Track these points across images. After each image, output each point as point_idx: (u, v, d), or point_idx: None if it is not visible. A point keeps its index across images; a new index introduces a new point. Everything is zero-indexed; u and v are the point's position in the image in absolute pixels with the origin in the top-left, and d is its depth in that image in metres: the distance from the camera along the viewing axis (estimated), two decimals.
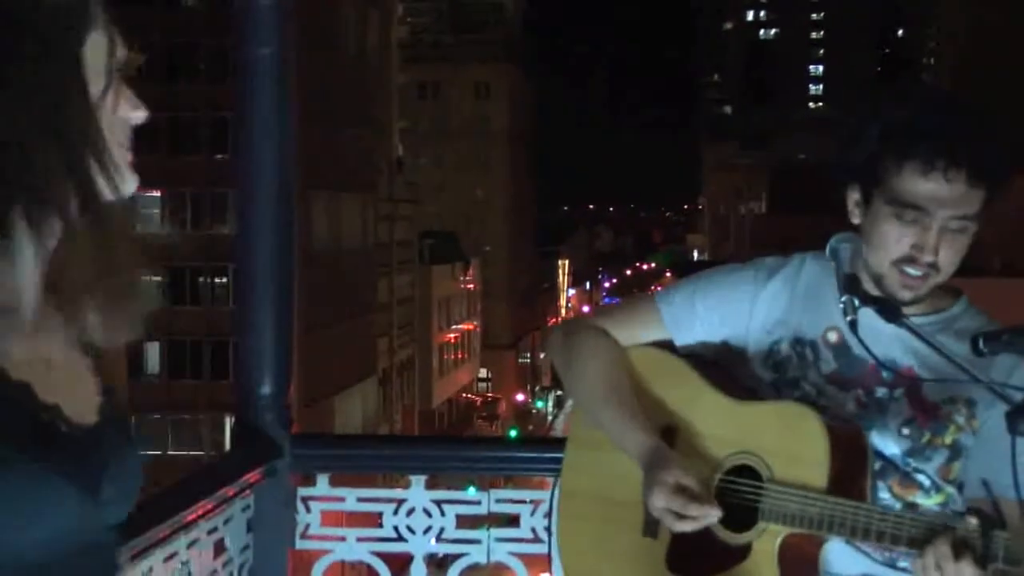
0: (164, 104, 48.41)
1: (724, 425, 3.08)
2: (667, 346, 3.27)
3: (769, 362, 3.16)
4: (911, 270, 2.96)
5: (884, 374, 3.06)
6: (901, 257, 2.96)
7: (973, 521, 2.70)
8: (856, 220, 3.07)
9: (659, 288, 3.79)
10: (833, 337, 3.11)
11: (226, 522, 3.73)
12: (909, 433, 3.03)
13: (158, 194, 51.94)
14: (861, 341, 2.92)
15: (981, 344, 2.55)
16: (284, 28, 4.03)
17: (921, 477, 3.04)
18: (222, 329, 46.33)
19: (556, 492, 3.42)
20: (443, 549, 4.03)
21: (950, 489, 3.04)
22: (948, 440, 3.03)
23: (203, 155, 49.54)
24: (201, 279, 51.51)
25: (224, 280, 49.82)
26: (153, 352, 51.54)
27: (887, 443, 3.02)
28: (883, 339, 3.02)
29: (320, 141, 46.22)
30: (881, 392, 3.06)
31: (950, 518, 2.81)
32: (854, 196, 3.07)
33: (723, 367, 3.20)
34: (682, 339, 3.26)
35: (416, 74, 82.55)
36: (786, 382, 3.12)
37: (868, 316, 3.02)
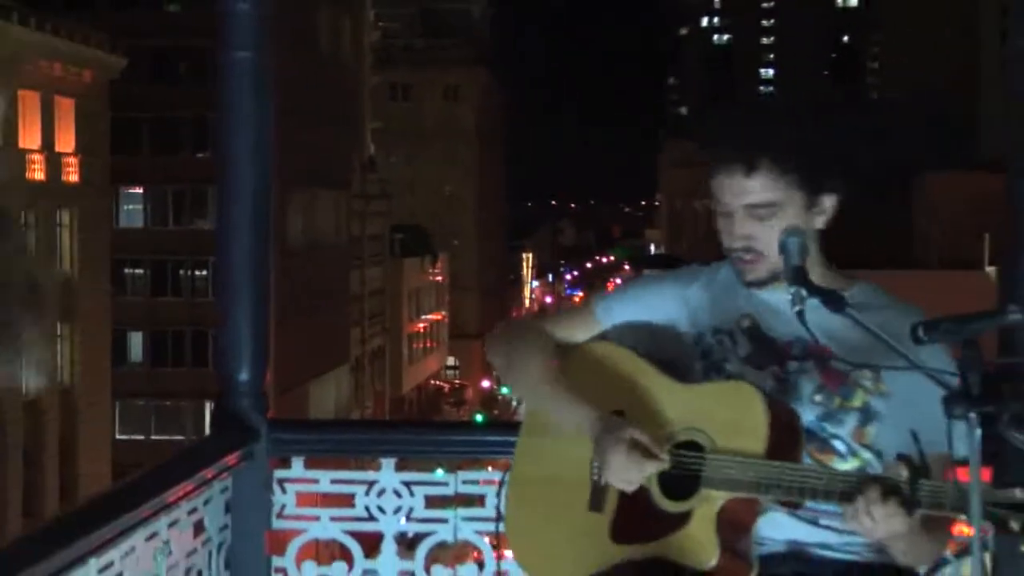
0: (147, 105, 48.34)
1: (669, 405, 3.13)
2: (615, 338, 3.31)
3: (697, 351, 3.26)
4: (739, 255, 3.16)
5: (794, 349, 3.15)
6: (728, 247, 3.19)
7: (903, 470, 2.76)
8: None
9: (616, 283, 3.90)
10: (746, 323, 3.22)
11: (205, 503, 3.73)
12: (821, 399, 3.13)
13: (141, 191, 51.80)
14: (807, 327, 2.94)
15: (920, 332, 2.56)
16: (262, 32, 4.02)
17: (837, 443, 3.12)
18: (203, 319, 46.24)
19: (506, 479, 3.45)
20: (412, 528, 4.03)
21: (866, 454, 3.12)
22: (858, 403, 3.12)
23: (185, 154, 49.34)
24: (182, 272, 51.37)
25: (204, 273, 49.71)
26: (136, 341, 51.39)
27: (803, 411, 3.09)
28: (793, 319, 3.08)
29: (296, 140, 46.12)
30: (793, 365, 3.16)
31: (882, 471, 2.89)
32: None
33: (666, 355, 3.26)
34: (610, 321, 3.37)
35: (388, 77, 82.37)
36: (713, 367, 3.22)
37: (777, 301, 3.17)
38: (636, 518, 3.09)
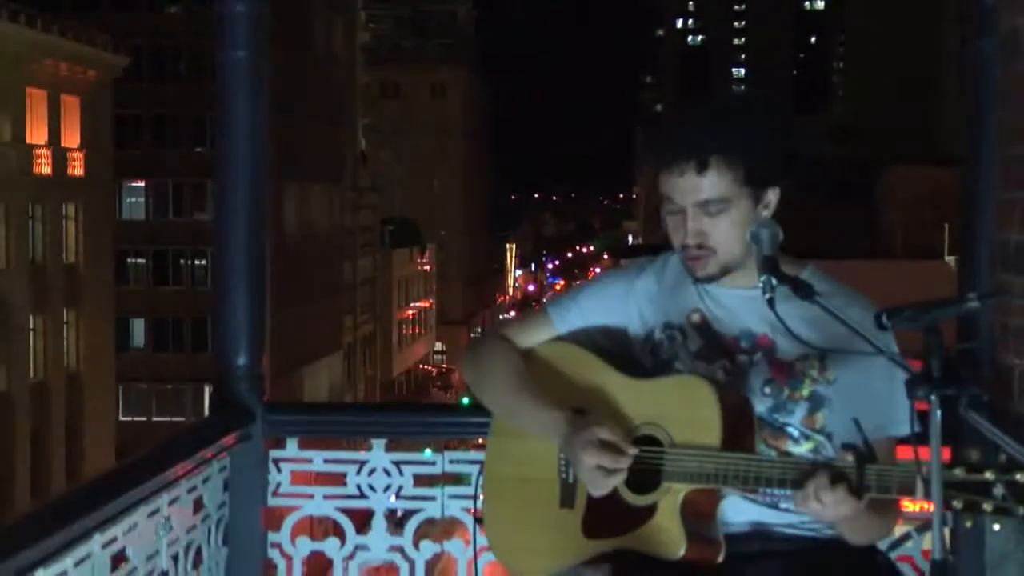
0: (149, 102, 48.29)
1: (628, 401, 3.13)
2: (574, 340, 3.32)
3: (647, 347, 3.25)
4: (692, 252, 3.12)
5: (743, 343, 3.15)
6: (679, 245, 3.15)
7: (849, 457, 2.78)
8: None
9: (595, 271, 3.90)
10: (696, 318, 3.21)
11: (204, 481, 3.72)
12: (771, 392, 3.13)
13: (142, 184, 51.76)
14: (779, 317, 2.93)
15: (884, 319, 2.57)
16: (258, 33, 4.01)
17: (790, 429, 3.12)
18: (202, 307, 46.20)
19: (480, 479, 3.45)
20: (401, 506, 4.03)
21: (819, 437, 3.12)
22: (806, 393, 3.12)
23: (184, 148, 49.27)
24: (182, 261, 51.37)
25: (203, 262, 49.67)
26: (139, 327, 51.39)
27: (754, 403, 3.09)
28: (740, 313, 3.14)
29: (291, 136, 46.14)
30: (742, 359, 3.15)
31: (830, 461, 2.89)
32: None
33: (621, 353, 3.26)
34: (566, 328, 3.35)
35: (378, 76, 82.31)
36: (662, 364, 3.20)
37: (724, 296, 3.19)
38: (605, 513, 3.09)
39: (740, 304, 3.11)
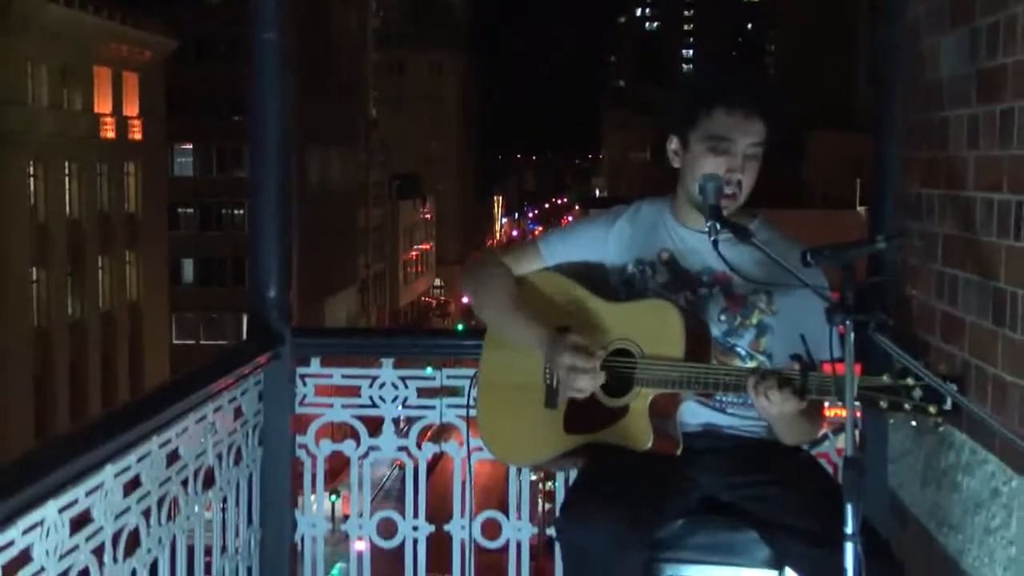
0: (194, 80, 47.92)
1: (605, 320, 3.13)
2: (560, 270, 3.31)
3: (622, 279, 3.24)
4: (726, 189, 3.04)
5: (704, 278, 3.16)
6: (713, 179, 3.04)
7: (796, 366, 2.80)
8: (676, 164, 3.20)
9: (568, 219, 3.88)
10: (665, 255, 3.21)
11: (243, 393, 3.72)
12: (725, 319, 3.14)
13: (190, 147, 51.56)
14: (722, 256, 2.93)
15: (808, 257, 2.57)
16: (286, 17, 3.98)
17: (739, 349, 3.14)
18: (240, 249, 46.06)
19: (473, 390, 3.47)
20: (407, 413, 4.03)
21: (761, 357, 3.14)
22: (754, 321, 3.13)
23: (224, 117, 48.97)
24: (223, 211, 51.23)
25: (241, 212, 49.50)
26: (188, 266, 51.34)
27: (711, 328, 3.09)
28: (703, 253, 3.12)
29: (313, 106, 45.89)
30: (703, 291, 3.16)
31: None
32: (672, 146, 3.19)
33: (599, 282, 3.25)
34: (553, 261, 3.33)
35: (386, 55, 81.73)
36: (635, 292, 3.20)
37: (690, 237, 3.18)
38: (584, 413, 3.10)
39: (703, 245, 3.08)
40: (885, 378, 2.61)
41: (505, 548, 4.04)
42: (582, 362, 3.00)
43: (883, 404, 2.61)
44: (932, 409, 2.56)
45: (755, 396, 2.84)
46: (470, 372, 3.57)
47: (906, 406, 2.59)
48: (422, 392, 3.99)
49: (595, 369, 3.01)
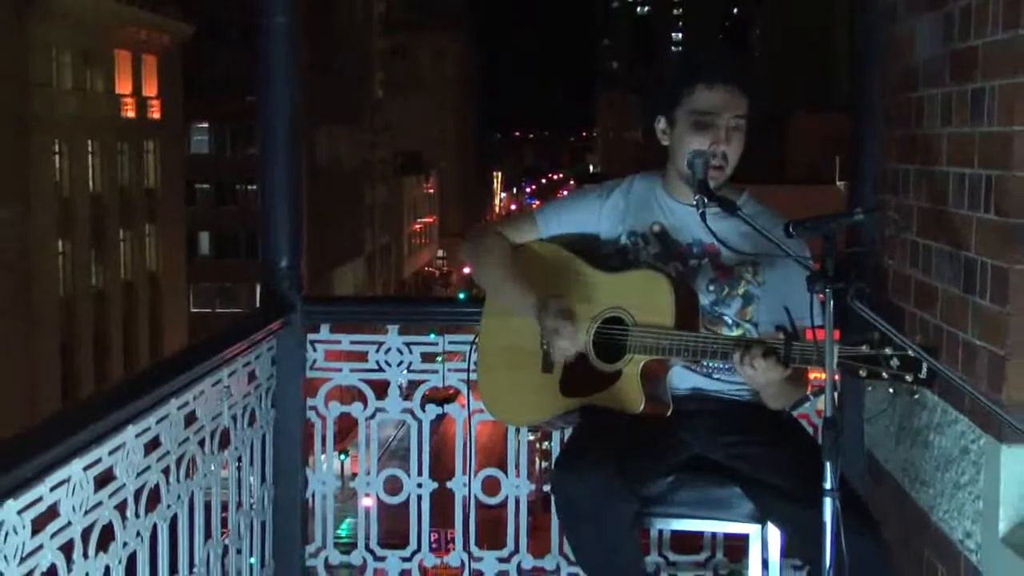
0: (209, 60, 47.73)
1: (599, 289, 3.13)
2: (556, 241, 3.31)
3: (615, 250, 3.24)
4: (712, 162, 3.04)
5: (694, 249, 3.16)
6: (700, 154, 3.02)
7: (780, 335, 2.80)
8: (666, 142, 3.18)
9: (562, 193, 3.87)
10: (656, 228, 3.20)
11: (257, 358, 3.73)
12: (713, 289, 3.14)
13: (206, 125, 51.45)
14: (710, 229, 2.93)
15: (791, 229, 2.57)
16: (294, 3, 3.96)
17: (726, 318, 3.15)
18: (254, 222, 45.95)
19: (474, 354, 3.46)
20: (411, 377, 4.04)
21: (747, 325, 3.15)
22: (741, 291, 3.14)
23: (237, 97, 48.78)
24: (237, 187, 51.11)
25: (253, 187, 49.34)
26: (204, 239, 51.29)
27: (700, 297, 3.10)
28: (693, 226, 3.12)
29: (321, 88, 45.75)
30: (692, 262, 3.16)
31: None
32: (660, 125, 3.18)
33: (594, 253, 3.24)
34: (548, 233, 3.32)
35: (390, 40, 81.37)
36: (627, 263, 3.19)
37: (680, 211, 3.17)
38: (579, 377, 3.10)
39: (693, 218, 3.07)
40: (864, 348, 2.61)
41: (504, 504, 4.05)
42: (563, 324, 3.00)
43: (862, 373, 2.62)
44: (908, 377, 2.56)
45: (740, 367, 2.84)
46: (470, 338, 3.57)
47: (884, 375, 2.60)
48: (426, 357, 3.99)
49: (574, 331, 3.01)
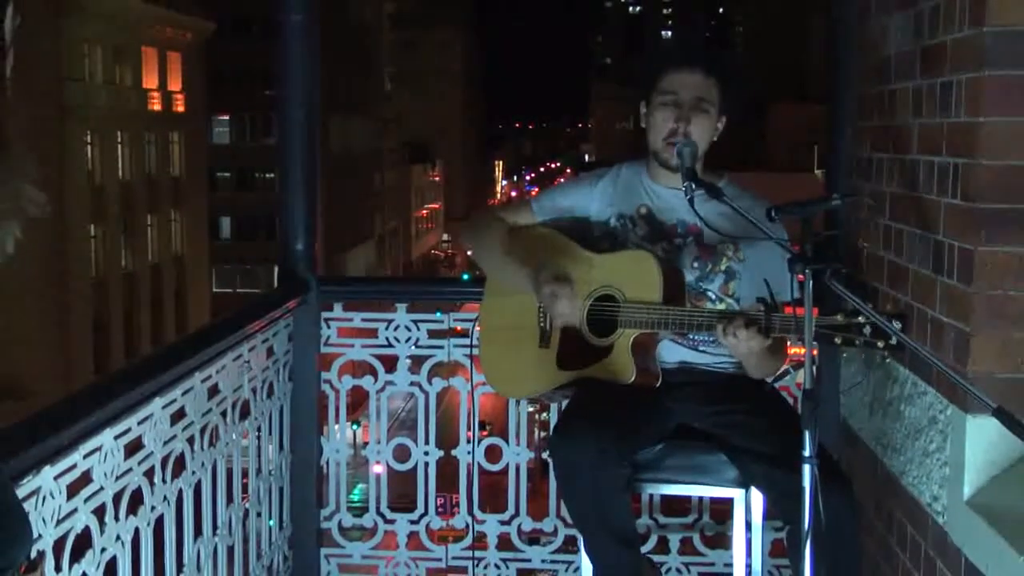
0: (230, 57, 47.61)
1: (591, 268, 3.12)
2: (551, 225, 3.30)
3: (605, 232, 3.23)
4: (677, 139, 3.03)
5: (679, 230, 3.16)
6: (667, 134, 3.07)
7: (761, 307, 2.79)
8: (644, 124, 3.17)
9: (559, 180, 3.87)
10: (643, 210, 3.20)
11: (274, 335, 3.73)
12: (697, 266, 3.14)
13: (227, 117, 51.38)
14: (696, 212, 2.92)
15: (773, 213, 2.57)
16: (312, 1, 3.95)
17: (709, 293, 3.15)
18: (272, 208, 45.93)
19: (476, 327, 3.46)
20: (418, 352, 4.04)
21: (730, 300, 3.15)
22: (723, 267, 3.14)
23: (257, 91, 48.69)
24: (256, 174, 51.06)
25: (272, 175, 49.32)
26: (225, 223, 51.27)
27: (685, 273, 3.10)
28: (677, 208, 3.12)
29: (334, 80, 45.67)
30: (677, 241, 3.16)
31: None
32: (642, 110, 3.18)
33: (585, 235, 3.24)
34: (543, 218, 3.32)
35: (399, 35, 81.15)
36: (617, 244, 3.19)
37: (665, 194, 3.17)
38: (574, 351, 3.11)
39: (677, 201, 3.08)
40: (839, 317, 2.62)
41: (505, 470, 4.06)
42: (559, 287, 3.00)
43: (837, 340, 2.63)
44: (880, 344, 2.58)
45: (724, 337, 2.84)
46: (473, 315, 3.57)
47: (857, 342, 2.61)
48: (432, 333, 3.99)
49: (572, 292, 3.01)
